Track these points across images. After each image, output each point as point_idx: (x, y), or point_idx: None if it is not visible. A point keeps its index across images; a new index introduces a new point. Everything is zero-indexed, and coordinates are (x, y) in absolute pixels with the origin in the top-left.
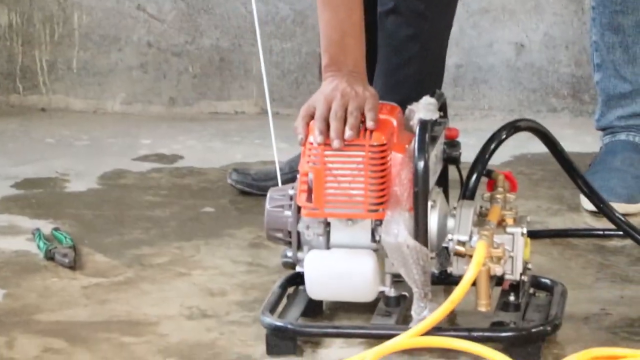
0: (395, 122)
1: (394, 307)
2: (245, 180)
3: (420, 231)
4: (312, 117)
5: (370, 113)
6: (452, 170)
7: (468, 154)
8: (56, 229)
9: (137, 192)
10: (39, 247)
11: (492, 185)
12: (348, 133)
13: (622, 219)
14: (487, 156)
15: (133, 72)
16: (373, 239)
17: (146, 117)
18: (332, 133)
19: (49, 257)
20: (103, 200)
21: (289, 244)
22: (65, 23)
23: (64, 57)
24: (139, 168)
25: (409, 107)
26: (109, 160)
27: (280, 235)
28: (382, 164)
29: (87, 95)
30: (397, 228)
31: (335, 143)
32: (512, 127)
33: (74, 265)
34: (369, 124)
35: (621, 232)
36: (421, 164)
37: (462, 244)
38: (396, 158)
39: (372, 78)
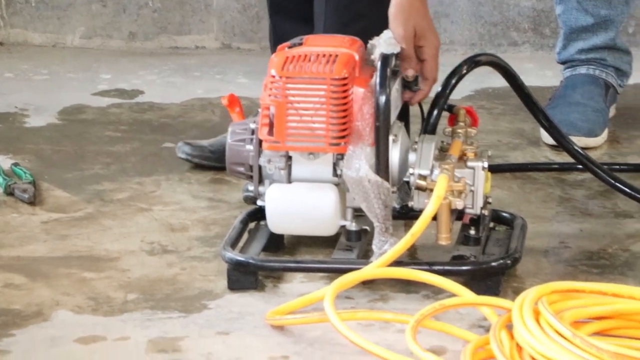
0: (357, 56)
1: (355, 241)
2: (203, 154)
3: (381, 165)
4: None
5: None
6: (413, 105)
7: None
8: (15, 165)
9: (97, 127)
10: None
11: (454, 120)
12: None
13: (582, 152)
14: (448, 91)
15: (92, 6)
16: (334, 173)
17: (106, 52)
18: None
19: (9, 192)
20: (63, 136)
21: (251, 178)
22: None
23: None
24: (98, 103)
25: (371, 41)
26: (69, 95)
27: (241, 169)
28: (344, 97)
29: (46, 29)
30: (359, 162)
31: None
32: (473, 62)
33: (34, 201)
34: None
35: (581, 166)
36: (383, 99)
37: (423, 178)
38: (358, 92)
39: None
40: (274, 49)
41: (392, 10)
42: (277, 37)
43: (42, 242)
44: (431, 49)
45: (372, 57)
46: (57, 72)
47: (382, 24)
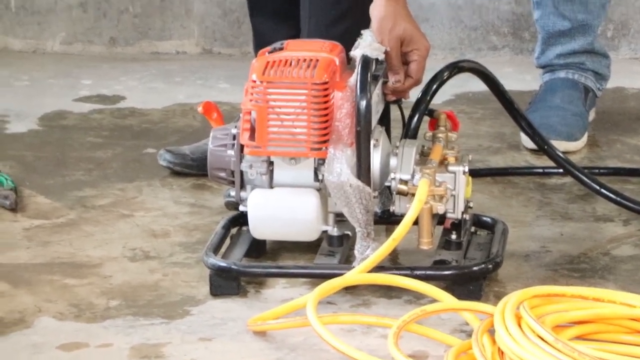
0: (337, 61)
1: (337, 246)
2: (185, 162)
3: (363, 170)
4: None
5: None
6: (394, 110)
7: (410, 93)
8: None
9: (78, 133)
10: None
11: (434, 125)
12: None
13: (563, 156)
14: (429, 96)
15: (73, 11)
16: (316, 178)
17: (87, 57)
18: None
19: None
20: (44, 142)
21: (232, 183)
22: None
23: None
24: (80, 109)
25: (358, 39)
26: (50, 101)
27: (223, 174)
28: (325, 102)
29: (27, 35)
30: (340, 166)
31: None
32: (455, 68)
33: (16, 207)
34: None
35: (561, 170)
36: (363, 103)
37: (405, 182)
38: (338, 97)
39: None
40: (256, 51)
41: (375, 22)
42: (259, 39)
43: (24, 248)
44: (422, 51)
45: (353, 53)
46: (38, 78)
47: (366, 24)
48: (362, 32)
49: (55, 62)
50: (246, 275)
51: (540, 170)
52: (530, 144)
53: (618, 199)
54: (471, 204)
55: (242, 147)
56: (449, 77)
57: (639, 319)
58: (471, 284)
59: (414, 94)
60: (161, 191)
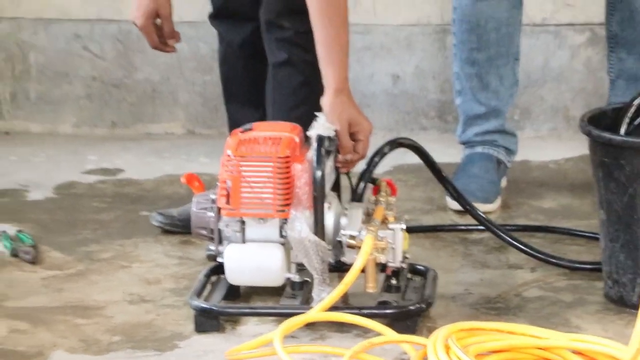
0: (297, 139)
1: (299, 290)
2: (173, 222)
3: (318, 228)
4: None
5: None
6: (344, 178)
7: (357, 165)
8: (19, 231)
9: (86, 200)
10: (5, 246)
11: (377, 190)
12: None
13: (483, 216)
14: (372, 167)
15: (81, 101)
16: (281, 235)
17: (92, 138)
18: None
19: (14, 254)
20: (58, 207)
21: (212, 239)
22: (23, 61)
23: (23, 90)
24: (87, 180)
25: (314, 122)
26: (62, 174)
27: (204, 232)
28: (287, 173)
29: (44, 121)
30: (300, 225)
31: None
32: (394, 144)
33: (35, 261)
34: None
35: (480, 227)
36: (319, 174)
37: (353, 237)
38: (297, 168)
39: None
40: (230, 131)
41: (327, 109)
42: (232, 121)
43: (42, 294)
44: (365, 132)
45: (309, 133)
46: (53, 155)
47: (319, 109)
48: (317, 114)
49: (66, 142)
50: (224, 315)
51: (463, 227)
52: (455, 206)
53: (527, 250)
54: (408, 255)
55: (219, 209)
56: (389, 152)
57: (545, 348)
58: (409, 320)
59: (360, 165)
60: (154, 246)
